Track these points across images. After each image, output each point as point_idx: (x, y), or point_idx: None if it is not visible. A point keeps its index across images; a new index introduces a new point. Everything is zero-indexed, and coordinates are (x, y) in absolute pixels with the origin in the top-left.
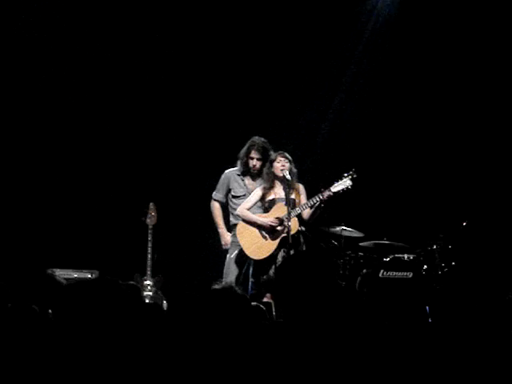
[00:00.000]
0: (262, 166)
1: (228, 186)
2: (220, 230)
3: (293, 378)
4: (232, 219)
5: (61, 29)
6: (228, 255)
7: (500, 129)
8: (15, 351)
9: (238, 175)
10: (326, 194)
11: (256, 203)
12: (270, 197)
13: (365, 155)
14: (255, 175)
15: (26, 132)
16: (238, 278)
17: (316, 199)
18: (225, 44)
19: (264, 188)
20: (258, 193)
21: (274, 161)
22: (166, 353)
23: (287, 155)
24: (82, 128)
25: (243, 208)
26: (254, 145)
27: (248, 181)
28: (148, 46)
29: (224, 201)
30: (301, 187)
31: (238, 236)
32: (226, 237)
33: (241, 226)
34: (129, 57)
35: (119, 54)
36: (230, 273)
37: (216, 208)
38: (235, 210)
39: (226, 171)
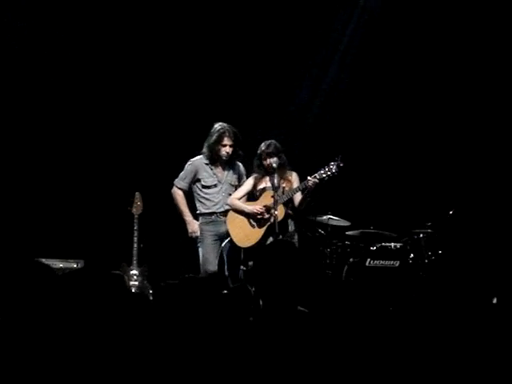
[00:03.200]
0: (233, 151)
1: (195, 175)
2: (187, 218)
3: (276, 369)
4: (201, 208)
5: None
6: (200, 243)
7: (487, 117)
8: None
9: (207, 164)
10: (312, 180)
11: (247, 192)
12: (261, 185)
13: (352, 143)
14: (224, 163)
15: (12, 124)
16: (218, 266)
17: (302, 186)
18: (208, 33)
19: (255, 178)
20: (249, 182)
21: (261, 156)
22: (152, 342)
23: (274, 148)
24: (67, 119)
25: (234, 198)
26: (225, 132)
27: (217, 169)
28: (129, 37)
29: (187, 189)
30: (294, 175)
31: (228, 225)
32: (193, 225)
33: (231, 214)
34: (113, 50)
35: (102, 46)
36: (210, 262)
37: (180, 196)
38: (206, 199)
39: (193, 160)
